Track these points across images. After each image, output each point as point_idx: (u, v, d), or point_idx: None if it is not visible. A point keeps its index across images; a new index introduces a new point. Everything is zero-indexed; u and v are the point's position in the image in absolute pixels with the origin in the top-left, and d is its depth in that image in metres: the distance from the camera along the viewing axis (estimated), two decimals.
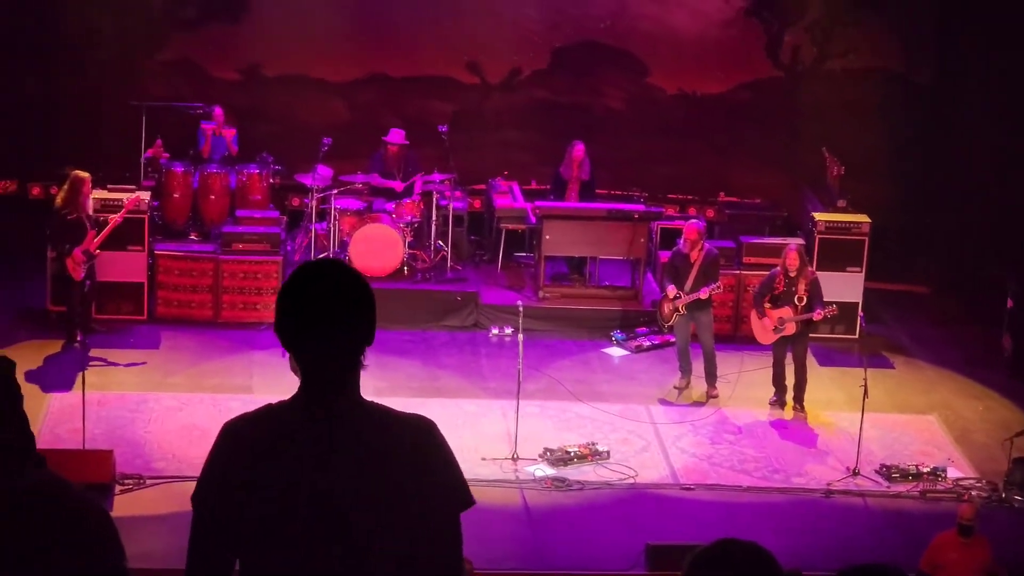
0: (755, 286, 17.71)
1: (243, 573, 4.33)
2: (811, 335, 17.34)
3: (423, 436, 4.36)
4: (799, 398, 17.10)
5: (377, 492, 4.24)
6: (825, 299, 16.97)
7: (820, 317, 16.84)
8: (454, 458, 4.41)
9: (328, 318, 4.21)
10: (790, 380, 17.14)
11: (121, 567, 3.79)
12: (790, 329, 16.88)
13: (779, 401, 17.22)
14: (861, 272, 19.36)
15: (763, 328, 17.09)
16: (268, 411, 4.38)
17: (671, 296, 17.31)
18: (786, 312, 16.83)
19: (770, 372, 17.31)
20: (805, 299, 16.78)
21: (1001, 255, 19.44)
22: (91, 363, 16.67)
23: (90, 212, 17.77)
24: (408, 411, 4.41)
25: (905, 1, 21.86)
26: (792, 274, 16.81)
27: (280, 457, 4.24)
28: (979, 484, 15.75)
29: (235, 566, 4.37)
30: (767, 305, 16.99)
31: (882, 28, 21.96)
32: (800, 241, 18.68)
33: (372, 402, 4.36)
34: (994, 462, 16.13)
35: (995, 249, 19.69)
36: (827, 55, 22.10)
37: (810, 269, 17.19)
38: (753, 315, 17.32)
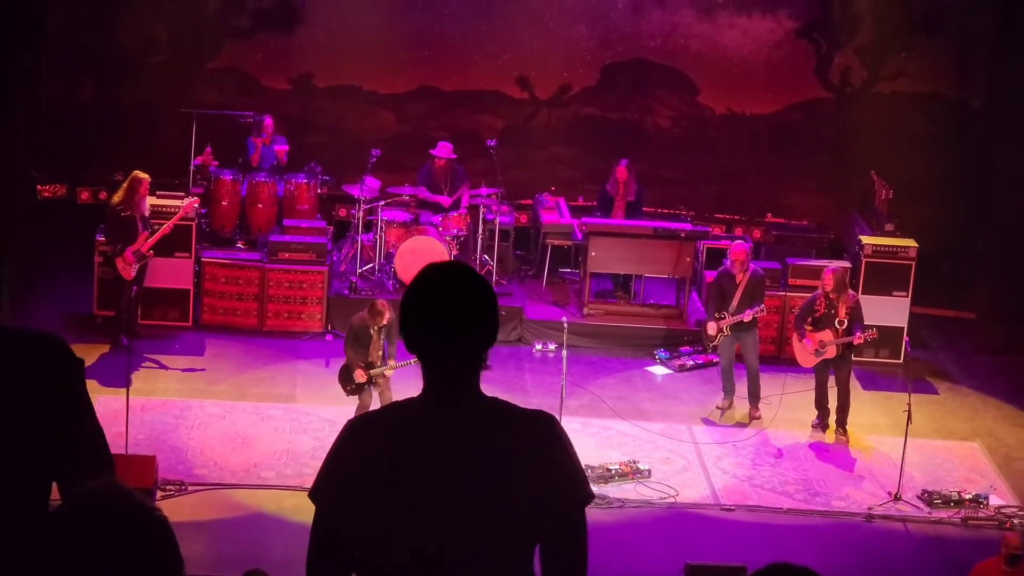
0: (798, 308, 17.65)
1: (365, 567, 4.40)
2: (855, 358, 17.28)
3: (545, 429, 4.46)
4: (842, 422, 17.03)
5: (502, 485, 4.31)
6: (868, 323, 16.90)
7: (860, 341, 16.77)
8: (574, 452, 4.51)
9: (457, 318, 4.32)
10: (832, 403, 17.07)
11: (181, 574, 3.82)
12: (831, 352, 16.81)
13: (822, 424, 17.15)
14: (907, 296, 19.27)
15: (804, 351, 17.02)
16: (393, 408, 4.52)
17: (711, 332, 17.30)
18: (826, 335, 16.77)
19: (812, 394, 17.25)
20: (846, 322, 16.71)
21: None
22: (136, 368, 16.77)
23: (145, 214, 17.87)
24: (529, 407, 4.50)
25: (959, 27, 21.77)
26: (832, 296, 16.74)
27: (406, 453, 4.32)
28: (1021, 512, 15.65)
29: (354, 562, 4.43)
30: (808, 328, 16.93)
31: (935, 53, 21.88)
32: (844, 264, 18.58)
33: (494, 398, 4.45)
34: None
35: None
36: (877, 78, 22.04)
37: (851, 292, 17.10)
38: (794, 338, 17.27)
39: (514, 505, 4.31)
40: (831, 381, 17.01)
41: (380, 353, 15.59)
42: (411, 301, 4.38)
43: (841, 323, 16.72)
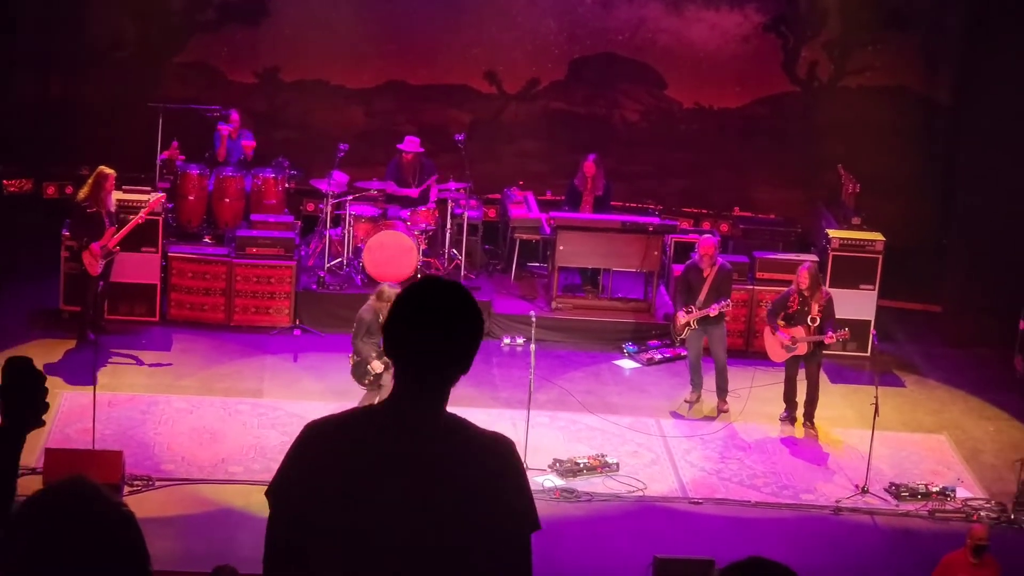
0: (770, 303, 17.68)
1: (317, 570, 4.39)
2: (824, 353, 17.32)
3: (500, 458, 4.43)
4: (810, 415, 17.08)
5: (446, 508, 4.30)
6: (838, 317, 16.95)
7: (831, 340, 16.84)
8: (527, 481, 4.50)
9: (440, 330, 4.31)
10: (801, 397, 17.13)
11: (147, 570, 3.80)
12: (802, 349, 16.86)
13: (789, 417, 17.21)
14: (874, 290, 19.33)
15: (776, 346, 17.07)
16: (353, 416, 4.48)
17: (680, 320, 17.33)
18: (798, 332, 16.80)
19: (780, 388, 17.30)
20: (818, 319, 16.75)
21: (1015, 275, 19.38)
22: (103, 363, 16.72)
23: (111, 209, 17.80)
24: (490, 429, 4.48)
25: (926, 21, 21.82)
26: (805, 293, 16.78)
27: (357, 463, 4.31)
28: (988, 505, 15.72)
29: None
30: (780, 323, 16.97)
31: (902, 47, 21.93)
32: (814, 258, 18.65)
33: (455, 417, 4.44)
34: (1003, 483, 16.13)
35: (1009, 270, 19.64)
36: (844, 72, 22.08)
37: (825, 290, 17.13)
38: (766, 332, 17.30)
39: (462, 531, 4.29)
40: (800, 375, 17.05)
41: None
42: (401, 306, 4.37)
43: (814, 320, 16.75)
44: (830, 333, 16.72)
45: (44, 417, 4.50)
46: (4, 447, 4.40)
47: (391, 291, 15.53)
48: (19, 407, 4.41)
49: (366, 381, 15.70)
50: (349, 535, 4.29)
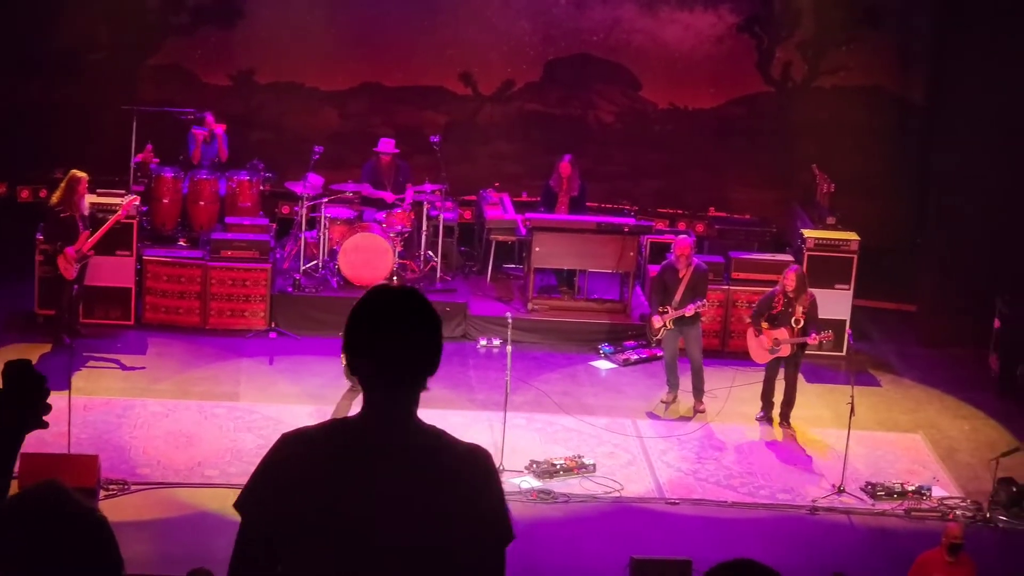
0: (755, 304, 17.63)
1: None
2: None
3: (473, 467, 4.40)
4: (786, 416, 17.11)
5: (419, 519, 4.28)
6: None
7: (815, 342, 16.87)
8: (501, 491, 4.47)
9: (399, 342, 4.30)
10: (778, 397, 17.14)
11: (120, 574, 3.79)
12: (785, 351, 16.87)
13: (766, 417, 17.23)
14: (849, 289, 19.37)
15: (759, 347, 17.07)
16: (327, 428, 4.44)
17: (656, 325, 17.33)
18: (782, 334, 16.81)
19: (758, 388, 17.31)
20: (802, 321, 16.76)
21: (990, 275, 19.43)
22: (78, 367, 16.66)
23: (85, 213, 17.74)
24: (465, 440, 4.47)
25: (900, 21, 21.88)
26: (791, 295, 16.78)
27: (330, 475, 4.29)
28: (964, 503, 15.75)
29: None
30: (764, 324, 16.98)
31: (876, 47, 21.98)
32: (789, 258, 18.69)
33: (430, 427, 4.42)
34: (979, 482, 16.16)
35: (984, 269, 19.68)
36: (818, 72, 22.12)
37: (810, 292, 17.09)
38: (750, 333, 17.29)
39: (437, 541, 4.28)
40: (779, 375, 17.08)
41: None
42: (358, 318, 4.35)
43: (798, 322, 16.75)
44: (813, 335, 16.74)
45: (46, 418, 4.51)
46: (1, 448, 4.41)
47: None
48: (18, 409, 4.41)
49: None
50: (322, 546, 4.27)
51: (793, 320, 16.77)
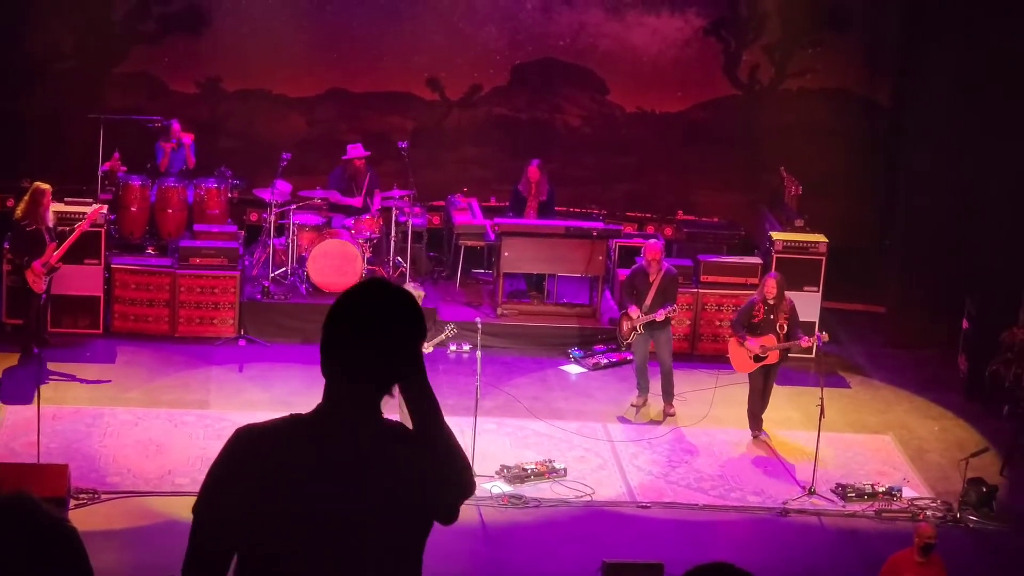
0: (735, 314, 17.52)
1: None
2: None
3: (425, 458, 4.42)
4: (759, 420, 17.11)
5: (377, 511, 4.29)
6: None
7: (808, 343, 16.89)
8: (458, 479, 4.52)
9: (374, 337, 4.30)
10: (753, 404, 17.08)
11: None
12: (773, 357, 16.81)
13: (761, 433, 16.97)
14: (818, 291, 19.42)
15: (742, 356, 16.92)
16: (284, 422, 4.43)
17: (632, 316, 17.31)
18: (769, 340, 16.72)
19: (727, 390, 17.31)
20: (786, 327, 16.74)
21: (958, 276, 19.49)
22: (47, 377, 16.60)
23: (50, 225, 17.66)
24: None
25: (866, 23, 21.96)
26: (771, 303, 16.75)
27: (287, 470, 4.28)
28: (934, 504, 15.80)
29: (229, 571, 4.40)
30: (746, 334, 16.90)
31: (842, 49, 22.06)
32: (758, 260, 18.72)
33: (389, 421, 4.44)
34: (949, 482, 16.21)
35: (952, 270, 19.74)
36: (785, 74, 22.18)
37: (788, 298, 17.03)
38: (732, 343, 17.11)
39: (391, 529, 4.32)
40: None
41: None
42: (337, 311, 4.34)
43: (782, 328, 16.74)
44: (804, 337, 16.75)
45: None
46: None
47: (415, 290, 15.50)
48: None
49: None
50: (280, 538, 4.27)
51: (777, 326, 16.71)
